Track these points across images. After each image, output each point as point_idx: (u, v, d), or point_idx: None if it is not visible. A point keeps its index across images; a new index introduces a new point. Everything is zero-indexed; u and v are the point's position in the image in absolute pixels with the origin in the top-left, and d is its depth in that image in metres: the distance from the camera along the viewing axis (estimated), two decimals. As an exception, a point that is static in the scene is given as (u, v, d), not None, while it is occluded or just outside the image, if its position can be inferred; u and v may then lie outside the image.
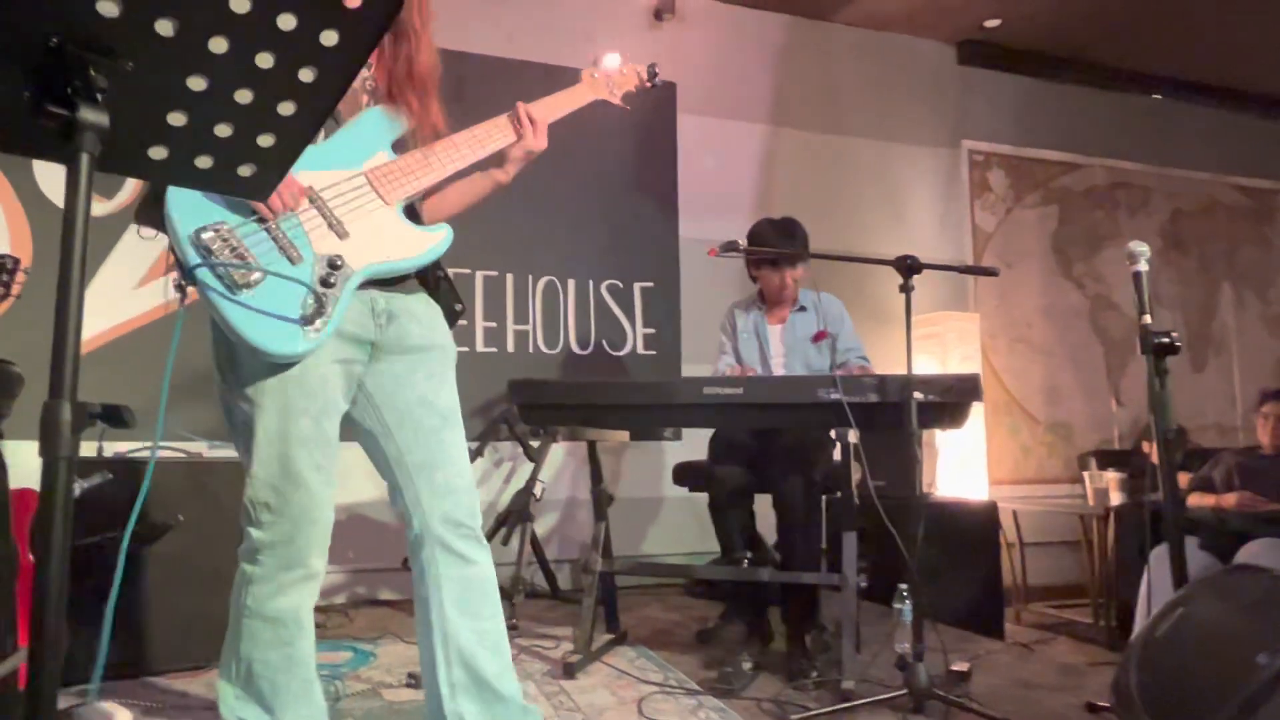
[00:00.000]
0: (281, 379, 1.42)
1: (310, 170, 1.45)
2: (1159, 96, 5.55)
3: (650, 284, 4.34)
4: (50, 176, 3.41)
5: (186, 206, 1.34)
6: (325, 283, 1.40)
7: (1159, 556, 2.40)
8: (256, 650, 1.45)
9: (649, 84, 1.93)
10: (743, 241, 2.52)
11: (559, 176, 4.06)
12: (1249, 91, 5.67)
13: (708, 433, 3.02)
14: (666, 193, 4.43)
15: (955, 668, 2.49)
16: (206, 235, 1.33)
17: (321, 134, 1.50)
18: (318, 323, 1.38)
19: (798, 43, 4.81)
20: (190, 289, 1.33)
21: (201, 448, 2.91)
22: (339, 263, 1.42)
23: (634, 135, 4.38)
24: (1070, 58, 5.27)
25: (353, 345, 1.49)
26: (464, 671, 1.52)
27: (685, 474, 3.10)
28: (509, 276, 4.09)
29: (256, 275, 1.34)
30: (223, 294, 1.32)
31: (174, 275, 1.36)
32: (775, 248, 2.88)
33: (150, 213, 1.37)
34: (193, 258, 1.31)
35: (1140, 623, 2.54)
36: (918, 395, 2.22)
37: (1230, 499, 3.03)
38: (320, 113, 0.96)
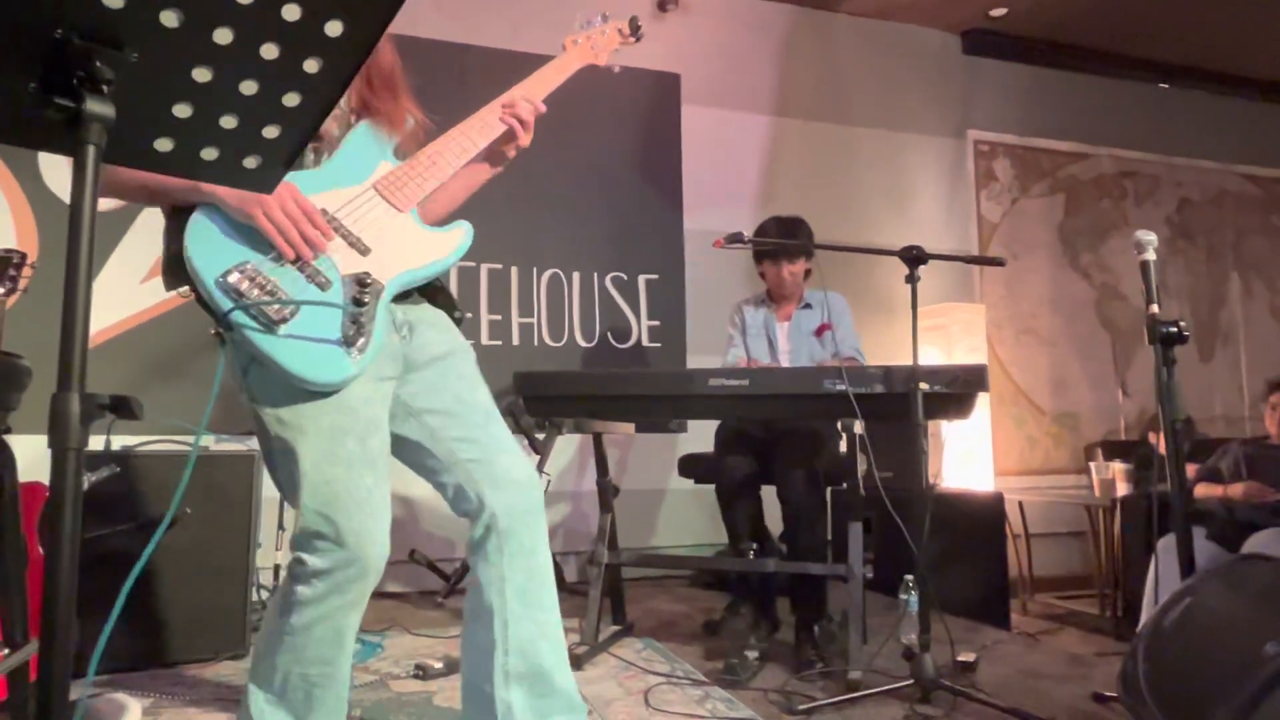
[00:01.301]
0: (321, 402, 1.38)
1: (319, 192, 1.42)
2: (1166, 85, 5.51)
3: (655, 276, 4.34)
4: (55, 170, 3.41)
5: (207, 253, 1.31)
6: (358, 302, 1.38)
7: (1166, 547, 2.39)
8: (297, 665, 1.43)
9: (632, 38, 1.88)
10: (748, 234, 2.55)
11: (563, 169, 4.05)
12: (1257, 79, 5.63)
13: (714, 424, 3.03)
14: (671, 184, 4.42)
15: (961, 658, 2.49)
16: (233, 278, 1.30)
17: (313, 157, 1.48)
18: (360, 343, 1.36)
19: (802, 32, 4.79)
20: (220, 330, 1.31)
21: (209, 441, 2.92)
22: (367, 280, 1.40)
23: (638, 127, 4.37)
24: (1076, 46, 5.24)
25: (388, 362, 1.48)
26: (522, 660, 1.51)
27: (691, 465, 3.10)
28: (514, 269, 4.09)
29: (291, 308, 1.32)
30: (261, 333, 1.30)
31: (210, 327, 1.33)
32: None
33: (177, 271, 1.34)
34: (224, 303, 1.29)
35: (1147, 613, 2.53)
36: (923, 386, 2.23)
37: (1238, 489, 3.02)
38: (325, 103, 0.96)
